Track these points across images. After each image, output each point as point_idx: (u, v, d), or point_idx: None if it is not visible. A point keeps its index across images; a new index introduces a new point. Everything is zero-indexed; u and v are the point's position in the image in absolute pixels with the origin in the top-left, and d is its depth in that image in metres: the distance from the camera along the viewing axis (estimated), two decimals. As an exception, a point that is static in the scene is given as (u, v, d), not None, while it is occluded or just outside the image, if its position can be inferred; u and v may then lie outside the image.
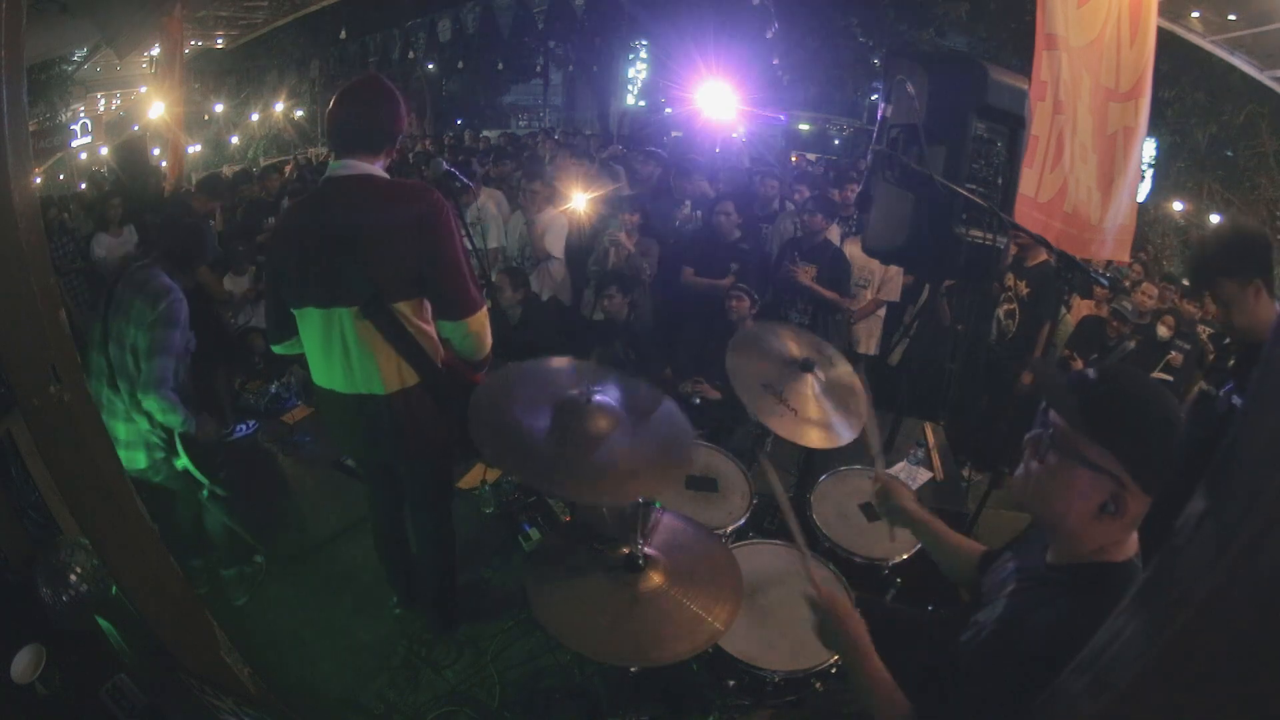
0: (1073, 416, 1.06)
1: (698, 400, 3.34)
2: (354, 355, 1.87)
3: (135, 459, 2.34)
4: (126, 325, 2.25)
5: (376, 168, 1.86)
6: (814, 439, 1.91)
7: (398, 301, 1.83)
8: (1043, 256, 3.73)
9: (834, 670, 1.64)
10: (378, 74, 1.93)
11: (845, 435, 1.93)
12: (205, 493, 2.44)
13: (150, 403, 2.25)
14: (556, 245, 4.32)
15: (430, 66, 16.51)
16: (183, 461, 2.35)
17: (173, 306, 2.26)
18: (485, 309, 1.94)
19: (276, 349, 2.07)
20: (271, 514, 3.04)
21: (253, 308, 4.61)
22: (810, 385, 2.02)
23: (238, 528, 2.60)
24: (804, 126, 14.68)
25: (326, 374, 1.95)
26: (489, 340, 1.99)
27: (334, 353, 1.89)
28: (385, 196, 1.82)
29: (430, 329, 1.91)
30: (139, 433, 2.33)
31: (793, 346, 2.10)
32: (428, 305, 1.90)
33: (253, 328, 4.52)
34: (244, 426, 3.75)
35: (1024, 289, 3.82)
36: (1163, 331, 4.34)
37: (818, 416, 1.96)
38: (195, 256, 2.44)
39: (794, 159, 11.37)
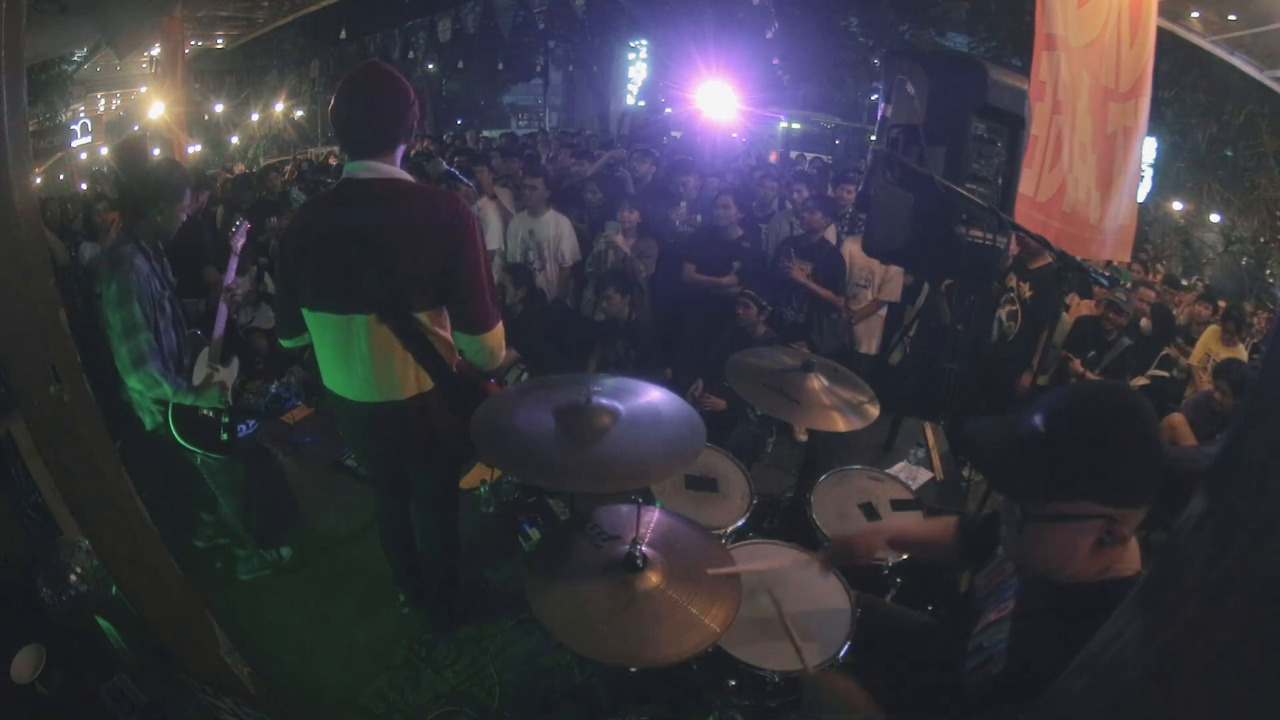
0: (1037, 493, 1.00)
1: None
2: (372, 363, 1.83)
3: (144, 419, 2.30)
4: (104, 307, 2.17)
5: (398, 169, 1.79)
6: (838, 423, 1.91)
7: (418, 311, 1.79)
8: (1046, 259, 3.73)
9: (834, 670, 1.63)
10: (377, 62, 1.83)
11: (860, 422, 1.94)
12: (199, 459, 2.37)
13: (133, 381, 2.18)
14: (569, 251, 4.34)
15: (430, 66, 16.54)
16: (174, 433, 2.28)
17: (123, 281, 2.12)
18: (501, 325, 1.91)
19: (285, 343, 2.04)
20: (270, 514, 3.03)
21: (253, 308, 4.61)
22: (815, 381, 2.03)
23: (234, 514, 2.59)
24: (800, 125, 14.67)
25: (342, 381, 1.91)
26: (502, 354, 1.97)
27: (351, 360, 1.85)
28: (411, 203, 1.75)
29: (447, 334, 1.88)
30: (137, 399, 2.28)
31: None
32: (446, 313, 1.86)
33: (254, 328, 4.53)
34: (244, 426, 3.74)
35: (1027, 291, 3.82)
36: (1145, 324, 4.43)
37: (832, 402, 1.96)
38: (155, 198, 2.25)
39: (793, 158, 11.41)
